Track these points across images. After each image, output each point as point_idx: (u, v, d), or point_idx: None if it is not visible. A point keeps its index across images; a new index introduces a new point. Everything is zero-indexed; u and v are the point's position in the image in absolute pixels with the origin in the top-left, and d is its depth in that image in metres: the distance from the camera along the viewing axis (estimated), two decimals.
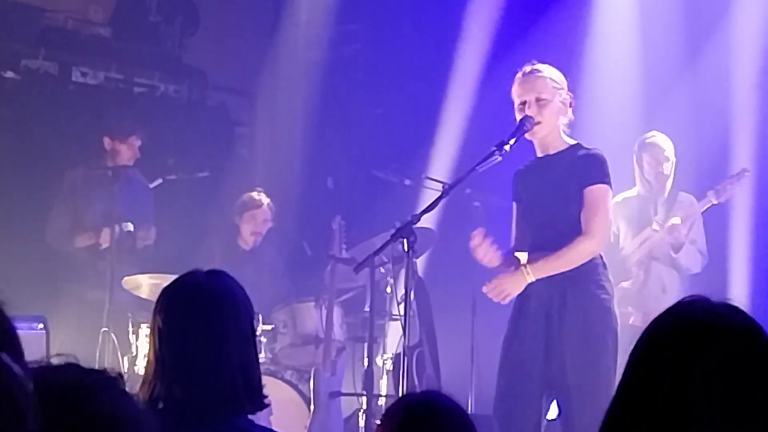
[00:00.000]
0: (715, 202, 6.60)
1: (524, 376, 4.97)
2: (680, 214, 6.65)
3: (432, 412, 2.46)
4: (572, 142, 5.17)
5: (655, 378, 1.68)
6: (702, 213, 6.69)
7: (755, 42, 7.26)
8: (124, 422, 1.63)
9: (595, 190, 5.02)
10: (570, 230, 5.00)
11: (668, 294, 6.69)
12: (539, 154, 5.19)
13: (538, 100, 5.06)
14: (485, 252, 4.98)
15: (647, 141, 6.72)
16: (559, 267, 4.94)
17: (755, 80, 7.24)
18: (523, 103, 5.09)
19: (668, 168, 6.68)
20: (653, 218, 6.72)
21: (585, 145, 5.18)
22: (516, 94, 5.14)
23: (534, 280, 4.95)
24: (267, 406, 2.90)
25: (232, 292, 2.90)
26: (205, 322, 2.82)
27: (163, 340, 2.84)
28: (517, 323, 5.09)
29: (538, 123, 5.05)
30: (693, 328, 1.70)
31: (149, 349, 2.90)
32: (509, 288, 5.00)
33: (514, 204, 5.29)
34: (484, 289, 5.06)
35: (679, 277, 6.79)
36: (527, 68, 5.16)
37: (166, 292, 2.93)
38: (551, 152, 5.15)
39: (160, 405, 2.77)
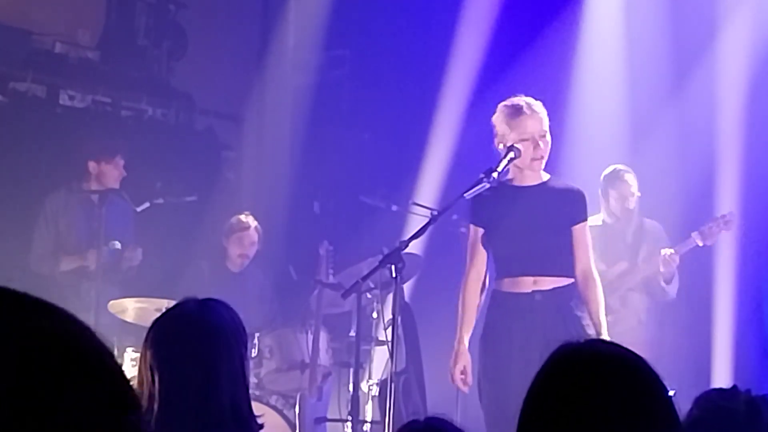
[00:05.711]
0: (700, 244, 6.61)
1: (512, 402, 4.98)
2: (651, 241, 6.70)
3: None
4: (546, 175, 5.34)
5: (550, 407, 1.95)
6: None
7: (741, 70, 7.29)
8: None
9: (582, 228, 5.30)
10: (558, 259, 5.22)
11: (643, 325, 6.73)
12: (516, 183, 5.29)
13: (542, 136, 5.20)
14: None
15: (613, 176, 6.76)
16: (600, 313, 5.26)
17: (741, 109, 7.27)
18: (527, 139, 5.15)
19: (633, 202, 6.76)
20: (625, 247, 6.76)
21: (557, 178, 5.42)
22: (522, 127, 5.17)
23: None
24: None
25: (223, 325, 2.86)
26: (195, 358, 2.79)
27: (154, 376, 2.79)
28: (502, 351, 5.17)
29: (541, 158, 5.19)
30: (574, 366, 1.98)
31: (142, 382, 2.84)
32: None
33: (474, 227, 5.36)
34: None
35: (652, 307, 6.81)
36: (532, 103, 5.22)
37: (156, 325, 2.89)
38: (529, 183, 5.28)
39: None
